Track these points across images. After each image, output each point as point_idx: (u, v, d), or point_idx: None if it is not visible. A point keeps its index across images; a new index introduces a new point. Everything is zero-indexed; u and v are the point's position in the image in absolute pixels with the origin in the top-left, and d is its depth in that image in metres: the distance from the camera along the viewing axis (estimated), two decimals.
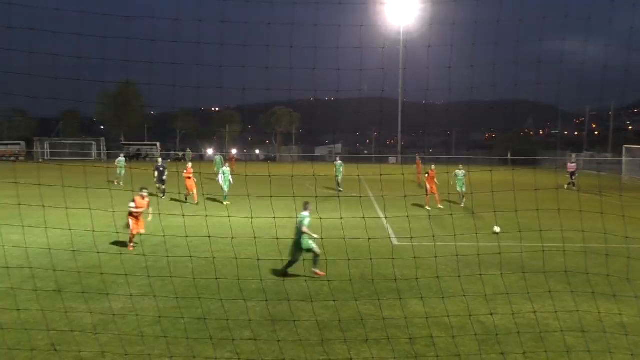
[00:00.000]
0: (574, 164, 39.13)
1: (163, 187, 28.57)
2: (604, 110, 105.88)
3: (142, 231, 15.93)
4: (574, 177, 37.57)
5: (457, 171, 27.53)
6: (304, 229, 13.04)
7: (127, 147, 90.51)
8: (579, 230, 10.51)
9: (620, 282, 11.66)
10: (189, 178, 26.60)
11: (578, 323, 9.85)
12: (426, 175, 26.62)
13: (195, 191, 26.46)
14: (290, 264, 13.35)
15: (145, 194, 16.24)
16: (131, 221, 15.76)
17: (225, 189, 26.79)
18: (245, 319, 9.87)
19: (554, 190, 9.83)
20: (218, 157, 42.85)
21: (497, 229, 17.24)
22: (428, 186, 26.19)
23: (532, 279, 12.11)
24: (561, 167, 77.09)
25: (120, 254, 12.94)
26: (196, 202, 26.06)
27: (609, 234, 10.84)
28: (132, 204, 15.77)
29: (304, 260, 13.30)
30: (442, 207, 26.04)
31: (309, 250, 13.26)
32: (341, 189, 33.57)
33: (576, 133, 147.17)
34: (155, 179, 28.60)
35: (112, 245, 15.97)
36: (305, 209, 13.54)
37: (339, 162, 34.99)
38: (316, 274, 13.24)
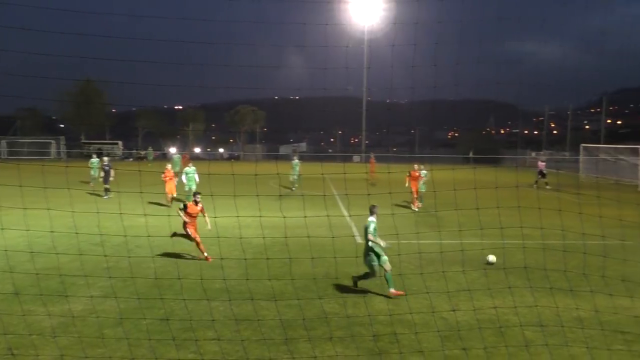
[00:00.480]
0: (543, 163, 39.84)
1: (108, 186, 28.05)
2: (562, 109, 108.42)
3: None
4: (543, 175, 38.26)
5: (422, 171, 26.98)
6: (370, 237, 11.47)
7: (88, 146, 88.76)
8: (538, 227, 10.76)
9: (577, 278, 11.97)
10: (170, 179, 25.35)
11: (537, 317, 10.08)
12: (407, 176, 25.86)
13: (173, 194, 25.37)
14: (367, 276, 11.80)
15: (198, 199, 15.10)
16: (189, 230, 14.66)
17: (194, 188, 25.50)
18: (209, 319, 9.79)
19: (514, 188, 10.04)
20: (176, 157, 41.71)
21: (491, 258, 14.21)
22: (411, 186, 25.47)
23: (492, 276, 12.34)
24: (522, 165, 78.73)
25: (80, 254, 12.68)
26: (170, 204, 25.02)
27: (567, 231, 11.12)
28: (182, 212, 14.64)
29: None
30: (416, 209, 25.18)
31: (374, 264, 11.51)
32: (294, 188, 33.38)
33: (536, 132, 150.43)
34: (101, 179, 28.20)
35: (72, 246, 15.62)
36: (371, 212, 11.89)
37: (296, 160, 34.67)
38: (393, 294, 11.39)
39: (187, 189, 25.64)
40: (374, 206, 11.82)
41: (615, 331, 9.50)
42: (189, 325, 9.46)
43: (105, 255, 12.75)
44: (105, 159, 30.02)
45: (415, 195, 25.57)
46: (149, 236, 13.06)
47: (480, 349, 8.62)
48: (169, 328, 9.30)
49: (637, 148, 42.38)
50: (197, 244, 14.59)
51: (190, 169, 26.42)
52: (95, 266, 13.34)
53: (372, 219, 11.64)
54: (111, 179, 28.24)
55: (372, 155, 45.12)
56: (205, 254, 14.57)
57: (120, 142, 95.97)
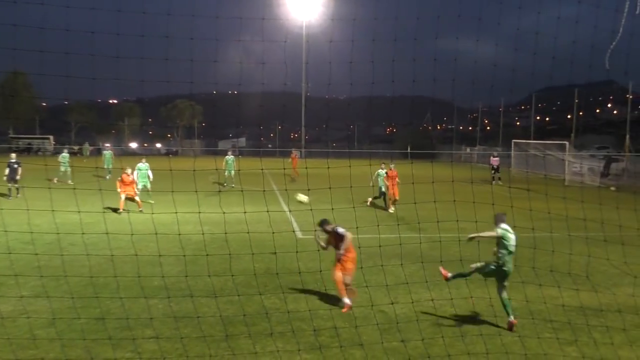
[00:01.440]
0: (496, 158, 40.72)
1: (16, 185, 25.83)
2: (494, 106, 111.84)
3: None
4: (496, 171, 39.25)
5: (379, 170, 25.22)
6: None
7: (17, 141, 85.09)
8: (473, 220, 11.05)
9: None
10: (129, 185, 22.08)
11: (472, 309, 10.41)
12: (385, 175, 24.26)
13: (137, 198, 22.39)
14: (464, 275, 10.44)
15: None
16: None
17: (148, 186, 24.46)
18: (147, 317, 9.59)
19: (450, 182, 10.29)
20: (108, 153, 39.02)
21: (302, 197, 16.00)
22: (389, 187, 23.71)
23: (430, 269, 12.62)
24: (457, 160, 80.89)
25: (9, 253, 12.14)
26: (141, 208, 22.06)
27: None
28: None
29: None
30: (392, 211, 23.20)
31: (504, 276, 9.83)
32: (233, 185, 33.04)
33: (470, 128, 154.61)
34: (5, 177, 25.70)
35: (0, 245, 14.94)
36: (501, 221, 10.12)
37: (230, 156, 34.24)
38: (511, 324, 9.66)
39: (140, 186, 23.95)
40: (503, 214, 10.18)
41: (544, 320, 9.93)
42: (126, 324, 9.24)
43: (36, 254, 12.27)
44: (13, 155, 26.95)
45: (397, 197, 23.40)
46: (83, 233, 12.66)
47: (419, 341, 8.82)
48: (105, 327, 9.06)
49: (564, 144, 44.35)
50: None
51: (143, 164, 24.77)
52: (25, 265, 12.82)
53: (504, 226, 9.95)
54: (18, 177, 25.78)
55: (293, 151, 45.08)
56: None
57: (51, 137, 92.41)
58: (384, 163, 25.37)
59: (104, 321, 9.31)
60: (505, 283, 9.83)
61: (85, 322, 9.44)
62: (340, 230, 10.78)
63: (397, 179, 23.76)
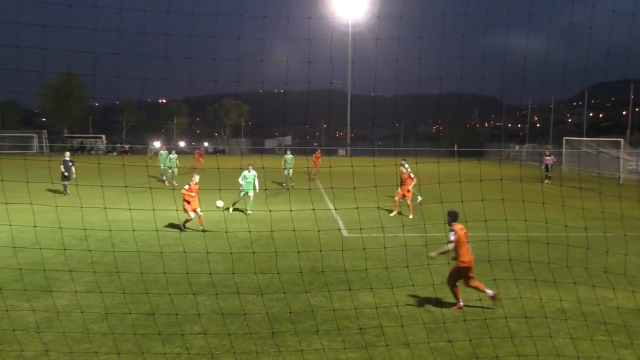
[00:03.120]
0: (550, 157, 39.83)
1: (67, 182, 26.96)
2: (545, 103, 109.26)
3: None
4: (549, 170, 38.42)
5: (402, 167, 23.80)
6: None
7: (71, 140, 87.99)
8: (522, 219, 10.85)
9: (560, 269, 12.10)
10: (195, 197, 17.77)
11: (521, 309, 10.19)
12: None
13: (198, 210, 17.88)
14: None
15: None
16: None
17: (251, 194, 21.53)
18: (195, 313, 9.76)
19: (498, 181, 10.10)
20: (163, 152, 37.21)
21: (219, 203, 17.92)
22: (403, 192, 22.01)
23: (477, 268, 12.41)
24: (505, 158, 79.30)
25: (64, 249, 12.56)
26: (202, 227, 17.78)
27: (550, 223, 11.21)
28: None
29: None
30: (411, 216, 21.33)
31: None
32: (292, 184, 32.26)
33: (519, 125, 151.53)
34: (62, 175, 26.86)
35: (56, 241, 15.47)
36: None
37: (289, 155, 33.46)
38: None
39: (242, 195, 21.67)
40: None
41: (597, 322, 9.63)
42: (174, 319, 9.43)
43: (89, 250, 12.66)
44: (67, 153, 28.09)
45: (410, 202, 21.97)
46: (133, 230, 12.98)
47: (466, 341, 8.69)
48: (155, 323, 9.26)
49: (618, 141, 42.91)
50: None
51: (250, 173, 21.55)
52: (79, 261, 13.25)
53: None
54: (73, 175, 26.97)
55: (318, 149, 44.65)
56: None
57: (103, 136, 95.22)
58: (404, 159, 24.56)
59: (153, 317, 9.52)
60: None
61: (136, 318, 9.68)
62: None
63: (412, 182, 21.87)
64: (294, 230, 10.55)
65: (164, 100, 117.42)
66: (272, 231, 11.82)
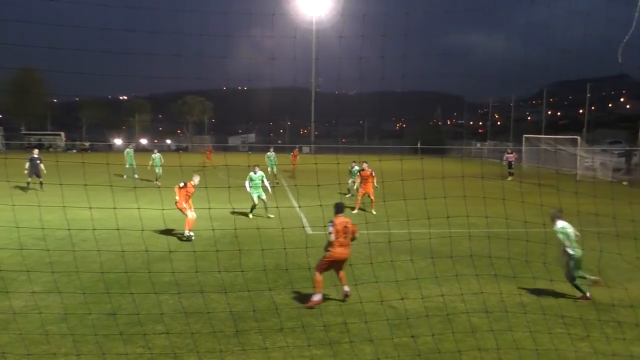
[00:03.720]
0: (512, 154, 40.63)
1: (40, 179, 26.45)
2: (505, 101, 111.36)
3: None
4: (512, 167, 39.16)
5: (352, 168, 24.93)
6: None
7: (28, 137, 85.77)
8: (483, 216, 11.02)
9: (520, 264, 12.36)
10: (190, 197, 16.66)
11: (482, 304, 10.36)
12: (357, 176, 22.74)
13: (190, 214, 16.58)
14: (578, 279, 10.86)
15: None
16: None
17: (263, 196, 20.44)
18: (158, 312, 9.63)
19: (460, 178, 10.25)
20: (129, 150, 36.20)
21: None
22: (364, 189, 22.06)
23: (440, 264, 12.60)
24: (467, 155, 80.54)
25: (21, 249, 12.24)
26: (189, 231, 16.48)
27: (510, 219, 11.43)
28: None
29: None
30: (374, 212, 21.85)
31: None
32: (277, 182, 32.03)
33: (480, 123, 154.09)
34: (26, 171, 26.17)
35: (12, 241, 15.07)
36: (557, 218, 11.00)
37: (272, 152, 32.70)
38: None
39: (256, 200, 20.31)
40: (559, 211, 10.97)
41: (555, 315, 9.87)
42: (136, 319, 9.29)
43: (48, 250, 12.38)
44: (36, 151, 27.78)
45: (372, 198, 22.09)
46: (94, 229, 12.73)
47: (429, 336, 8.79)
48: (116, 323, 9.11)
49: (575, 139, 44.01)
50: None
51: (256, 174, 20.37)
52: (37, 261, 12.93)
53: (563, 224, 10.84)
54: (44, 172, 26.70)
55: (296, 148, 44.68)
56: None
57: (62, 133, 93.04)
58: (354, 161, 24.56)
59: (115, 317, 9.36)
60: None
61: (97, 318, 9.50)
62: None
63: (373, 179, 22.01)
64: (257, 228, 10.51)
65: (126, 97, 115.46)
66: (235, 229, 11.75)
